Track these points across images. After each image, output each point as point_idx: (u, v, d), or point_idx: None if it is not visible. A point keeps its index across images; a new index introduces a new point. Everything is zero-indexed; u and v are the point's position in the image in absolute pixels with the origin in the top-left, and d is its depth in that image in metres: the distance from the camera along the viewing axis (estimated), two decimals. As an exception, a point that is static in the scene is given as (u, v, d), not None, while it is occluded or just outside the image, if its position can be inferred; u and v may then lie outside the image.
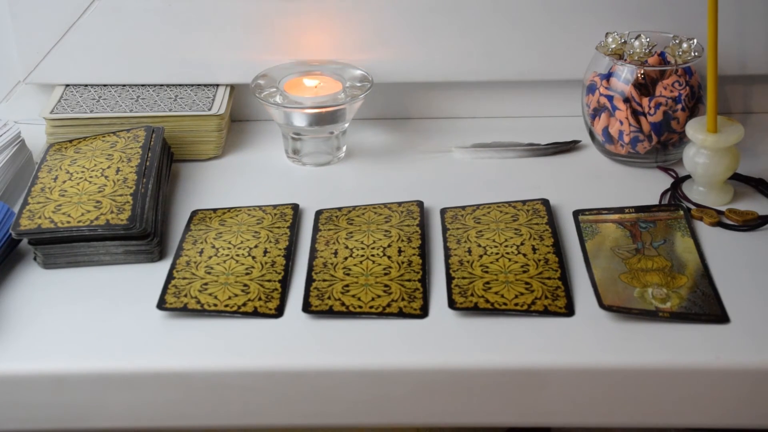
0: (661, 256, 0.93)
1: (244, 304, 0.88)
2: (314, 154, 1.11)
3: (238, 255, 0.94)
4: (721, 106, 1.15)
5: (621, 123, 1.06)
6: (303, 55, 1.15)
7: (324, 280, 0.90)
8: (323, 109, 1.07)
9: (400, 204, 1.01)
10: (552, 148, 1.12)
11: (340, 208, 1.01)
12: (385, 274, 0.91)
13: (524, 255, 0.93)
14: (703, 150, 1.00)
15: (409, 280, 0.90)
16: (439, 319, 0.86)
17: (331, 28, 1.14)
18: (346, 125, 1.11)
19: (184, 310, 0.87)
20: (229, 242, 0.96)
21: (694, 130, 1.00)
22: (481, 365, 0.82)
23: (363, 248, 0.94)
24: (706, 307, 0.86)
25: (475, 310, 0.86)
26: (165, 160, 1.06)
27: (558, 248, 0.94)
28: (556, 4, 1.13)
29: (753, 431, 0.92)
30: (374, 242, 0.95)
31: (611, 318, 0.86)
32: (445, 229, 0.98)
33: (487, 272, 0.90)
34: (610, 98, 1.06)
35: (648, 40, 1.07)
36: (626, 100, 1.06)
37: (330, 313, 0.87)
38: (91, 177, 0.99)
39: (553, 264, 0.91)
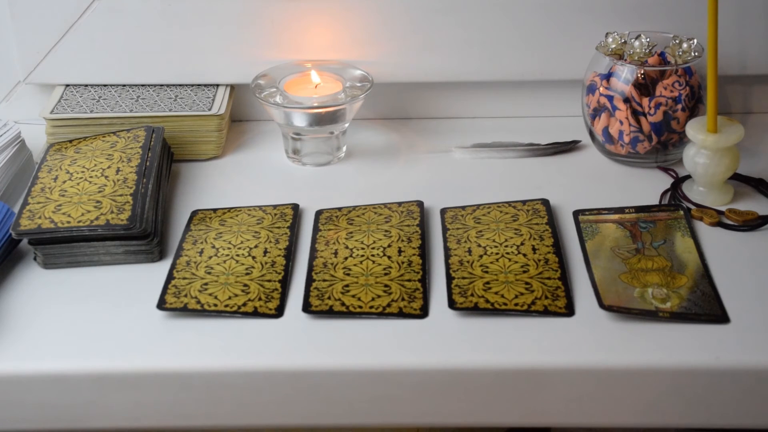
0: (661, 256, 0.93)
1: (244, 304, 0.88)
2: (314, 154, 1.11)
3: (238, 255, 0.94)
4: (721, 106, 1.15)
5: (621, 123, 1.06)
6: (303, 55, 1.15)
7: (324, 280, 0.90)
8: (323, 109, 1.07)
9: (400, 204, 1.01)
10: (552, 148, 1.12)
11: (340, 208, 1.01)
12: (385, 274, 0.91)
13: (524, 255, 0.93)
14: (703, 150, 1.00)
15: (409, 280, 0.90)
16: (439, 319, 0.86)
17: (332, 28, 1.14)
18: (346, 125, 1.11)
19: (184, 310, 0.87)
20: (229, 242, 0.96)
21: (694, 130, 1.00)
22: (481, 365, 0.82)
23: (363, 248, 0.94)
24: (706, 307, 0.86)
25: (475, 310, 0.86)
26: (165, 160, 1.06)
27: (558, 248, 0.94)
28: (556, 5, 1.13)
29: (753, 431, 0.92)
30: (374, 242, 0.95)
31: (611, 318, 0.86)
32: (445, 229, 0.98)
33: (487, 272, 0.90)
34: (610, 98, 1.06)
35: (648, 40, 1.07)
36: (626, 100, 1.06)
37: (330, 313, 0.87)
38: (91, 177, 0.99)
39: (553, 264, 0.91)
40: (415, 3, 1.13)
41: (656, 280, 0.89)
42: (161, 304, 0.87)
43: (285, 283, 0.91)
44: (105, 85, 1.17)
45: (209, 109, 1.12)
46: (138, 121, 1.10)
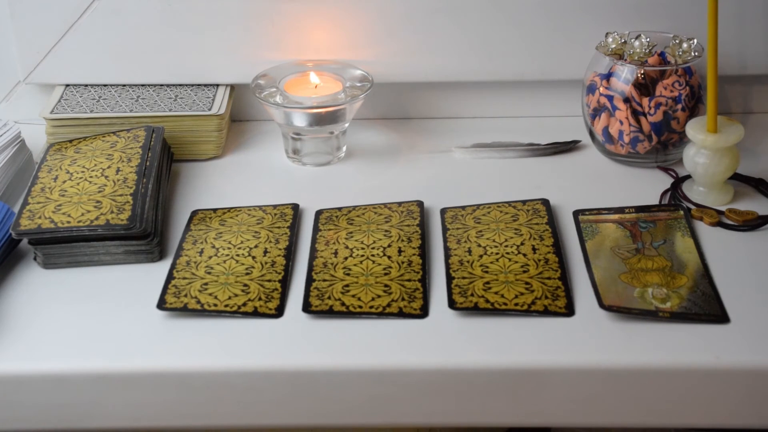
0: (661, 256, 0.93)
1: (244, 304, 0.88)
2: (314, 154, 1.11)
3: (238, 255, 0.94)
4: (721, 106, 1.15)
5: (621, 123, 1.06)
6: (303, 55, 1.15)
7: (324, 280, 0.90)
8: (323, 109, 1.07)
9: (400, 204, 1.01)
10: (552, 148, 1.12)
11: (340, 208, 1.01)
12: (385, 274, 0.91)
13: (524, 255, 0.93)
14: (703, 150, 1.00)
15: (409, 280, 0.90)
16: (439, 319, 0.86)
17: (332, 28, 1.14)
18: (346, 125, 1.11)
19: (184, 310, 0.87)
20: (229, 242, 0.96)
21: (694, 130, 1.00)
22: (481, 365, 0.82)
23: (363, 248, 0.94)
24: (706, 307, 0.86)
25: (475, 310, 0.86)
26: (165, 160, 1.06)
27: (558, 248, 0.94)
28: (556, 5, 1.13)
29: (753, 431, 0.92)
30: (374, 242, 0.95)
31: (611, 318, 0.86)
32: (445, 229, 0.98)
33: (487, 272, 0.90)
34: (610, 98, 1.06)
35: (648, 40, 1.07)
36: (626, 100, 1.06)
37: (330, 313, 0.87)
38: (91, 177, 0.99)
39: (553, 264, 0.91)
40: (415, 3, 1.13)
41: (656, 280, 0.89)
42: (161, 304, 0.87)
43: (285, 283, 0.91)
44: (105, 85, 1.17)
45: (209, 109, 1.12)
46: (138, 121, 1.10)
